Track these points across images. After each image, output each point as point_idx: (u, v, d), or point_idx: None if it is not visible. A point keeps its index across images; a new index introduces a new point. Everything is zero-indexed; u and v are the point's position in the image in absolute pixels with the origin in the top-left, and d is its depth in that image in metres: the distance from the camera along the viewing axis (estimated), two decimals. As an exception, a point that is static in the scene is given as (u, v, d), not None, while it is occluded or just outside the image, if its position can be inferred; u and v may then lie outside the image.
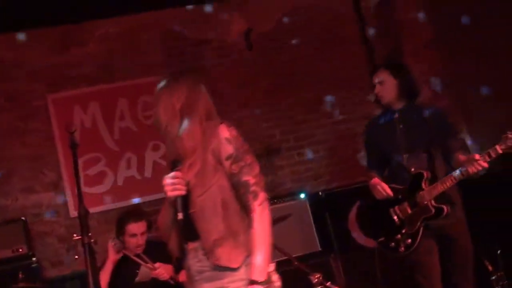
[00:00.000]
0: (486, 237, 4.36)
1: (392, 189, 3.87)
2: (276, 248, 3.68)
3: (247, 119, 5.73)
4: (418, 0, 6.18)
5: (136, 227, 4.25)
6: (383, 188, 3.86)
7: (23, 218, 4.96)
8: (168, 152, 2.59)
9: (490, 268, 4.35)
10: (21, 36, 5.47)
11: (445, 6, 5.83)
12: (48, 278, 5.08)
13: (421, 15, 6.08)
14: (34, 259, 4.74)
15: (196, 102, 2.53)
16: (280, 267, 3.68)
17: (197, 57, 5.77)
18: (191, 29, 5.88)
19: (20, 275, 4.06)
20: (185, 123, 2.49)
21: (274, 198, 5.04)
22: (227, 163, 2.44)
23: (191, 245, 2.51)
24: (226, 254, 2.40)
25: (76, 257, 4.79)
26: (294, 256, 4.04)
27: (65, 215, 5.31)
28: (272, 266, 2.45)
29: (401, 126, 3.91)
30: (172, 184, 2.41)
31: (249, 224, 2.42)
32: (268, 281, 2.39)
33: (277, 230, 4.36)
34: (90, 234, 2.71)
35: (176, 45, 5.80)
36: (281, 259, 3.96)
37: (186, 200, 2.45)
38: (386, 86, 3.92)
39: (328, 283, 3.53)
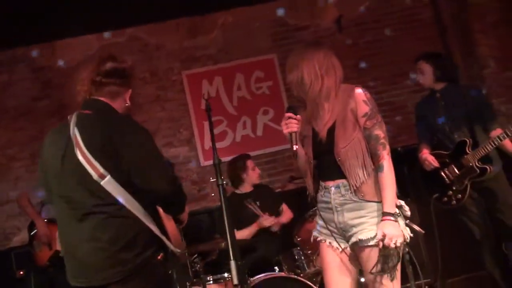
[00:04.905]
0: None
1: (439, 155, 4.23)
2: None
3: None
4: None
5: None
6: (430, 163, 4.22)
7: (164, 167, 6.03)
8: (309, 109, 2.82)
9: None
10: (161, 26, 6.31)
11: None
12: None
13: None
14: (172, 197, 5.69)
15: (333, 67, 2.78)
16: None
17: (297, 41, 6.25)
18: (292, 16, 6.45)
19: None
20: (325, 85, 2.75)
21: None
22: (362, 120, 2.72)
23: (331, 183, 2.81)
24: (371, 191, 2.73)
25: (213, 194, 5.74)
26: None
27: (196, 164, 6.19)
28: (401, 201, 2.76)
29: (442, 103, 4.26)
30: (285, 123, 2.74)
31: (377, 169, 2.72)
32: (398, 214, 2.70)
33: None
34: (222, 177, 3.06)
35: (280, 30, 6.42)
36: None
37: (319, 141, 2.78)
38: (425, 73, 4.30)
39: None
